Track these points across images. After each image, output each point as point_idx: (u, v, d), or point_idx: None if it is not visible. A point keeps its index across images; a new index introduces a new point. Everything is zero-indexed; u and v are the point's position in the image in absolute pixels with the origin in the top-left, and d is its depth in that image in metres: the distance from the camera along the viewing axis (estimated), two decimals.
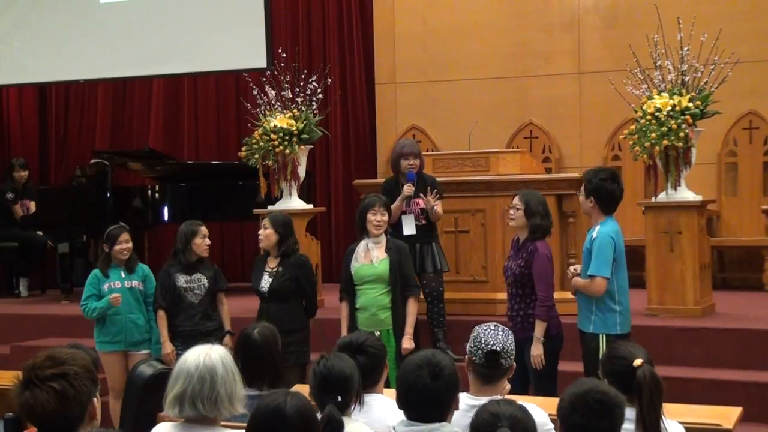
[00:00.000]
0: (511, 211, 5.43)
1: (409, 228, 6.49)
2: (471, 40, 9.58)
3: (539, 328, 5.22)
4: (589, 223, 5.41)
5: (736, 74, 6.96)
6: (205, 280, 6.07)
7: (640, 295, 6.84)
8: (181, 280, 6.07)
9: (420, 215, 6.54)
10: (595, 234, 5.09)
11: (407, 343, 5.71)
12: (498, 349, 3.50)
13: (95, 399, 2.57)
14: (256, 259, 6.23)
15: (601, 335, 5.00)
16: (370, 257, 5.79)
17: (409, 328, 5.70)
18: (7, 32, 10.38)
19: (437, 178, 6.74)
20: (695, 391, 5.65)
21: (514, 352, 3.59)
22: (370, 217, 5.78)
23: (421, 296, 6.32)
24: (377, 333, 5.67)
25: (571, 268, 5.31)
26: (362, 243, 5.85)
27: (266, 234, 5.96)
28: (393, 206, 6.23)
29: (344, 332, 5.66)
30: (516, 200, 5.42)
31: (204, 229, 6.14)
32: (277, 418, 2.83)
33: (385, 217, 5.83)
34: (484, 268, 7.03)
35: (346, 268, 5.87)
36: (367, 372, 3.56)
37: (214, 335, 5.77)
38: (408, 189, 6.50)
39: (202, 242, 6.09)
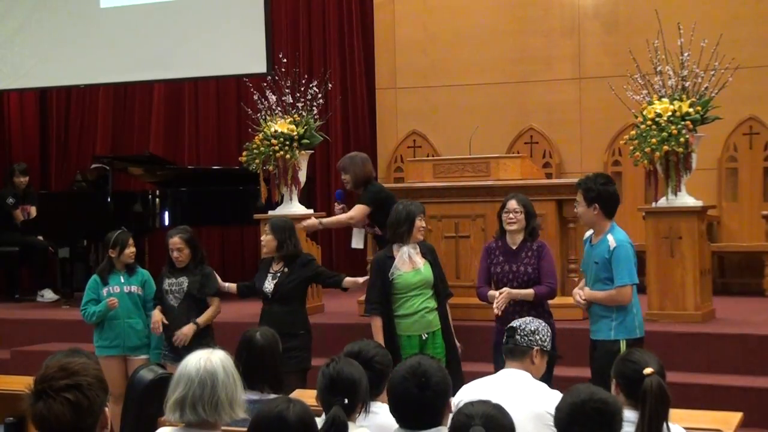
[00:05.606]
0: (512, 215, 5.46)
1: (357, 241, 6.39)
2: (471, 45, 9.58)
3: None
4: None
5: (737, 80, 6.97)
6: (186, 285, 6.02)
7: (641, 301, 6.81)
8: (166, 282, 6.09)
9: (370, 226, 6.55)
10: (613, 243, 4.99)
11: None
12: None
13: (106, 408, 2.58)
14: (263, 260, 6.20)
15: (622, 341, 4.93)
16: (413, 264, 5.69)
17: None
18: (8, 37, 10.40)
19: (436, 183, 6.66)
20: (695, 397, 5.63)
21: None
22: (418, 223, 5.68)
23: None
24: (424, 336, 5.63)
25: (578, 296, 5.14)
26: (404, 250, 5.68)
27: (267, 240, 5.97)
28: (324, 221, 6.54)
29: None
30: (515, 204, 5.48)
31: (173, 240, 6.00)
32: (279, 424, 2.85)
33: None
34: None
35: (383, 279, 5.66)
36: (372, 385, 3.55)
37: (198, 342, 5.57)
38: (337, 207, 6.66)
39: (173, 254, 6.02)
